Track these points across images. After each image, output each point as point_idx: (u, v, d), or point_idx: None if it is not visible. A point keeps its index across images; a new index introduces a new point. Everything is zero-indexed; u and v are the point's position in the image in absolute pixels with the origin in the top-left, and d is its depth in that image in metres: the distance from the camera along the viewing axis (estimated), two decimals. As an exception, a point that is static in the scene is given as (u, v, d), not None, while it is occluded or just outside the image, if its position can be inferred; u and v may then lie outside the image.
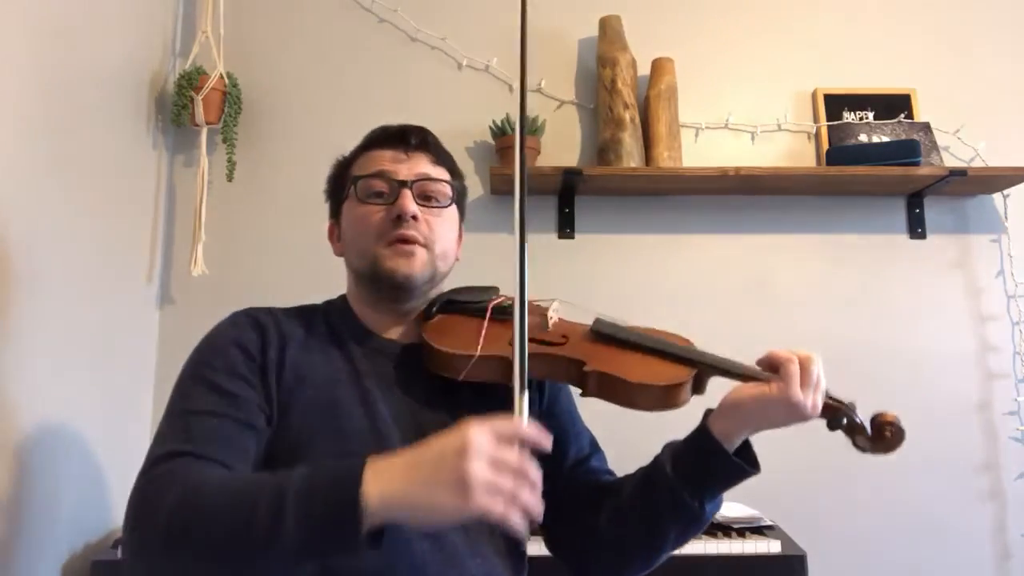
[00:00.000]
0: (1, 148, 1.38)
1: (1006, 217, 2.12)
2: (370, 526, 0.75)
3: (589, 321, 1.10)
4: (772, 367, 0.95)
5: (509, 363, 0.97)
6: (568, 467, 1.11)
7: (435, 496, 0.74)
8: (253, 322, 1.04)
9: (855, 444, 1.00)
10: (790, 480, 1.96)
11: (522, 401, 0.81)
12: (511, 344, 0.98)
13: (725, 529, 1.67)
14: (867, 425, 0.99)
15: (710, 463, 0.96)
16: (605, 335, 1.07)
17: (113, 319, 1.80)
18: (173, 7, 2.15)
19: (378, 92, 2.16)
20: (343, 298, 1.17)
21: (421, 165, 1.10)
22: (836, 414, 0.97)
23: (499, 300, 1.12)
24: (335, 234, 1.17)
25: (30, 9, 1.46)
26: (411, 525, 0.79)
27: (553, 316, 1.13)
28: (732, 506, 1.76)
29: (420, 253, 1.06)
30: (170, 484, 0.84)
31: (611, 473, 1.14)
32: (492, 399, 1.04)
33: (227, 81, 2.05)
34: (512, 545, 1.06)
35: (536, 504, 0.75)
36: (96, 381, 1.71)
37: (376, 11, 2.20)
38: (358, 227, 1.08)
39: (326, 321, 1.11)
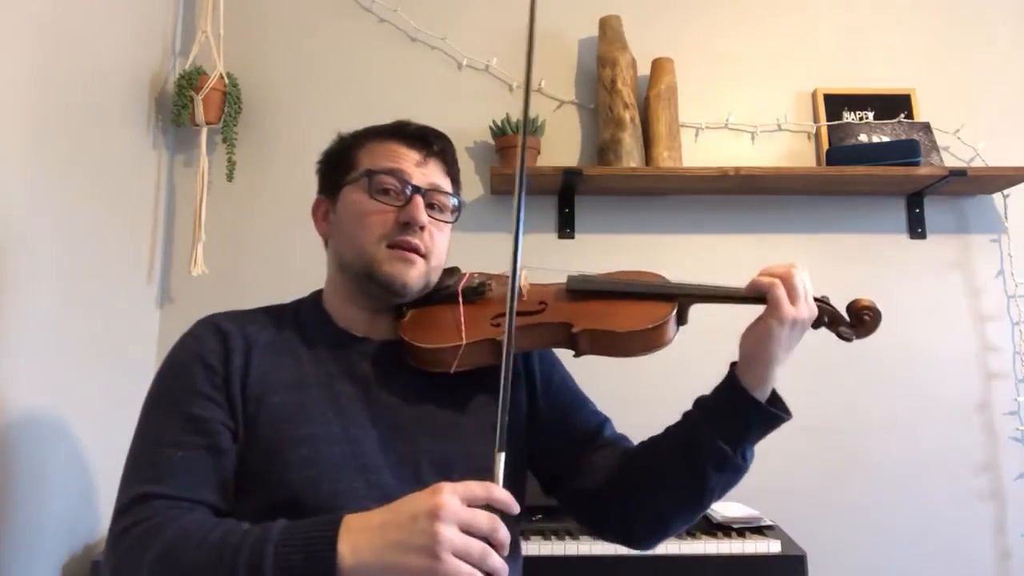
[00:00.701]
0: (1, 147, 1.38)
1: (1006, 217, 2.12)
2: None
3: (561, 281, 1.09)
4: (759, 296, 0.97)
5: (496, 344, 0.99)
6: (581, 440, 1.10)
7: (405, 559, 0.76)
8: (215, 329, 1.01)
9: (839, 335, 1.01)
10: (790, 480, 1.96)
11: (498, 463, 0.82)
12: (492, 323, 1.01)
13: (725, 529, 1.67)
14: (846, 315, 1.01)
15: (748, 416, 0.97)
16: (581, 291, 1.06)
17: (113, 319, 1.80)
18: (173, 7, 2.15)
19: (378, 92, 2.16)
20: (316, 295, 1.13)
21: (436, 174, 1.08)
22: (821, 313, 1.00)
23: (466, 281, 1.10)
24: (321, 212, 1.12)
25: (30, 9, 1.46)
26: None
27: (525, 284, 1.11)
28: (732, 506, 1.76)
29: (420, 264, 1.04)
30: (147, 538, 0.85)
31: (626, 439, 1.13)
32: (475, 385, 1.04)
33: (227, 81, 2.05)
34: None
35: (503, 569, 0.77)
36: (96, 381, 1.71)
37: (376, 11, 2.21)
38: (361, 222, 1.03)
39: (296, 321, 1.07)
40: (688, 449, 0.99)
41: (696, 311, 1.04)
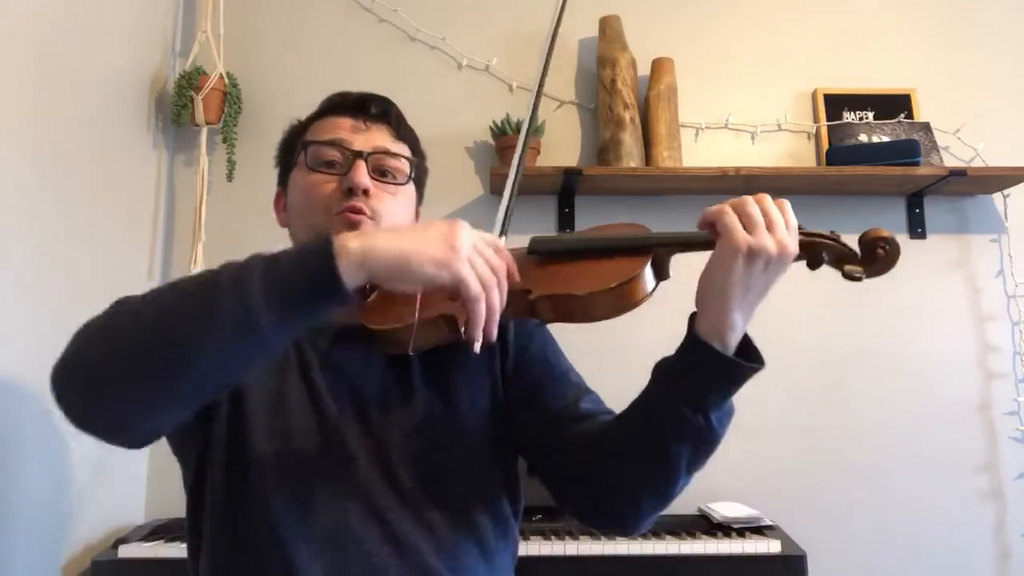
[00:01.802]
0: (1, 147, 1.38)
1: (1006, 217, 2.12)
2: (348, 276, 0.72)
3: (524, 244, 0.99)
4: (711, 227, 0.85)
5: (451, 320, 0.90)
6: (553, 416, 1.00)
7: (421, 245, 0.74)
8: None
9: (847, 275, 0.87)
10: (790, 480, 1.96)
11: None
12: (450, 296, 0.87)
13: (725, 529, 1.67)
14: (856, 249, 0.87)
15: (703, 367, 0.83)
16: (543, 252, 0.96)
17: (113, 319, 1.80)
18: (173, 7, 2.15)
19: (378, 92, 2.15)
20: None
21: (380, 138, 1.03)
22: (814, 249, 0.86)
23: None
24: (281, 204, 1.10)
25: (31, 10, 1.46)
26: (386, 282, 0.75)
27: None
28: (732, 506, 1.76)
29: (368, 227, 0.96)
30: (116, 305, 0.81)
31: (608, 412, 1.01)
32: (443, 367, 0.99)
33: (227, 81, 2.05)
34: (489, 508, 0.98)
35: (501, 304, 0.77)
36: (96, 381, 1.71)
37: (376, 11, 2.21)
38: (306, 197, 1.01)
39: None
40: (647, 416, 0.88)
41: (685, 259, 0.93)
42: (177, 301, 0.74)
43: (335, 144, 1.00)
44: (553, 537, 1.60)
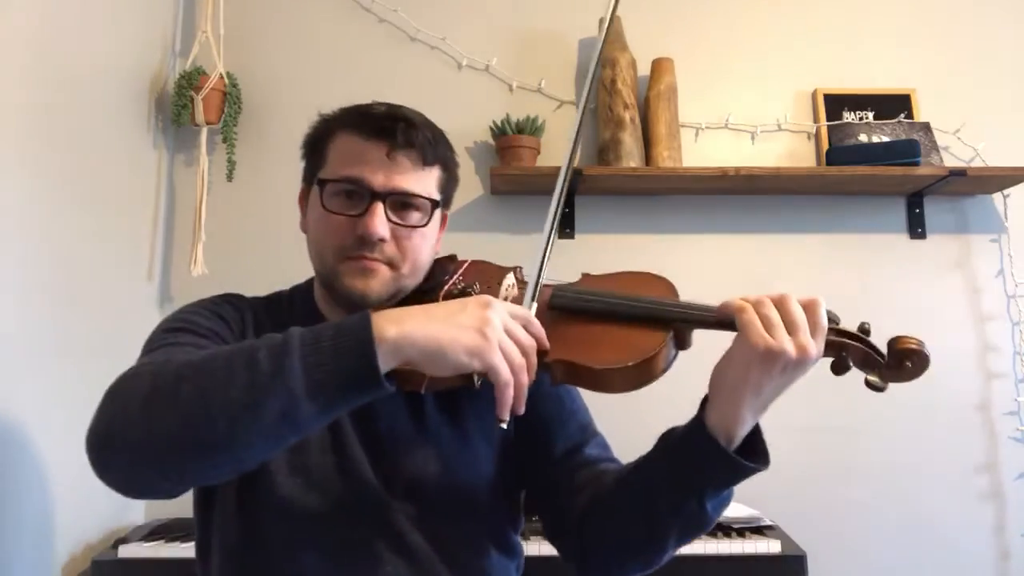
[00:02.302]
0: (1, 148, 1.38)
1: (1006, 217, 2.12)
2: (384, 363, 0.71)
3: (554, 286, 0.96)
4: (730, 324, 0.81)
5: None
6: (558, 457, 1.01)
7: (454, 333, 0.73)
8: (229, 303, 1.02)
9: (868, 384, 0.82)
10: (790, 480, 1.96)
11: (531, 304, 0.84)
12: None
13: (725, 529, 1.67)
14: (885, 352, 0.83)
15: (705, 461, 0.82)
16: (564, 308, 0.91)
17: (113, 319, 1.80)
18: (173, 7, 2.15)
19: (378, 92, 2.11)
20: (308, 285, 1.09)
21: (402, 174, 0.94)
22: (841, 350, 0.82)
23: (449, 287, 0.99)
24: (305, 205, 1.05)
25: (30, 9, 1.46)
26: (420, 367, 0.74)
27: (511, 291, 0.98)
28: (732, 506, 1.74)
29: (383, 272, 0.94)
30: (151, 363, 0.81)
31: (612, 460, 1.02)
32: (455, 398, 0.99)
33: (227, 81, 2.05)
34: (497, 539, 1.01)
35: (527, 388, 0.76)
36: (96, 381, 1.70)
37: (376, 11, 2.20)
38: (318, 232, 0.97)
39: (290, 311, 1.05)
40: (644, 488, 0.89)
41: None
42: (218, 385, 0.71)
43: (351, 181, 0.94)
44: (553, 537, 1.59)
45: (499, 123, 2.05)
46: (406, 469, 0.95)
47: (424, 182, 0.97)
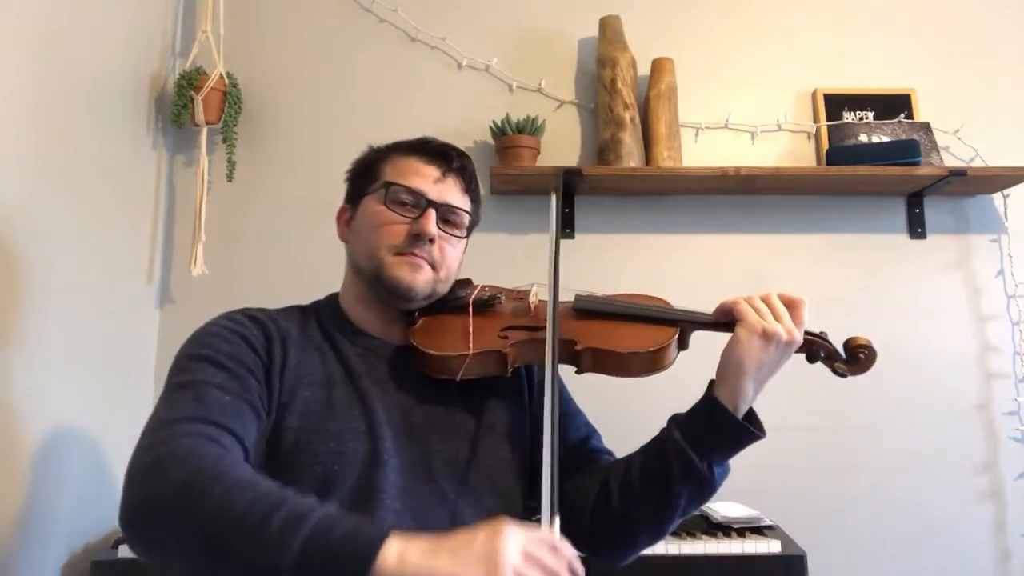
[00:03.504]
0: (1, 148, 1.38)
1: (1006, 217, 2.12)
2: None
3: (568, 299, 1.13)
4: (729, 317, 1.02)
5: (502, 355, 1.04)
6: (569, 448, 1.12)
7: (460, 571, 0.70)
8: (252, 319, 1.04)
9: (835, 371, 1.06)
10: (790, 480, 1.96)
11: (553, 524, 0.79)
12: (500, 335, 1.05)
13: (725, 529, 1.67)
14: (842, 351, 1.05)
15: (717, 426, 0.99)
16: (587, 311, 1.11)
17: (113, 319, 1.80)
18: (173, 7, 2.15)
19: (378, 92, 2.16)
20: (332, 298, 1.17)
21: (452, 192, 1.12)
22: (813, 346, 1.04)
23: (478, 293, 1.14)
24: (345, 218, 1.17)
25: (30, 10, 1.46)
26: None
27: (534, 300, 1.16)
28: (732, 506, 1.76)
29: (427, 271, 1.08)
30: (192, 450, 0.82)
31: (610, 453, 1.16)
32: (481, 391, 1.09)
33: (227, 81, 2.05)
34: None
35: None
36: (96, 381, 1.71)
37: (376, 11, 2.20)
38: (376, 229, 1.09)
39: (318, 320, 1.11)
40: (659, 455, 1.02)
41: (703, 336, 1.07)
42: (235, 518, 0.76)
43: (412, 190, 1.09)
44: (553, 537, 1.59)
45: (499, 123, 2.05)
46: (436, 445, 1.03)
47: (464, 204, 1.14)
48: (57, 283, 1.55)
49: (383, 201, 1.09)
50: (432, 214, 1.07)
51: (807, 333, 1.03)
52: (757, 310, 1.00)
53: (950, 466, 2.01)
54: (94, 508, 1.68)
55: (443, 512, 0.99)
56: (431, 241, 1.07)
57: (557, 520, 0.80)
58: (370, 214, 1.10)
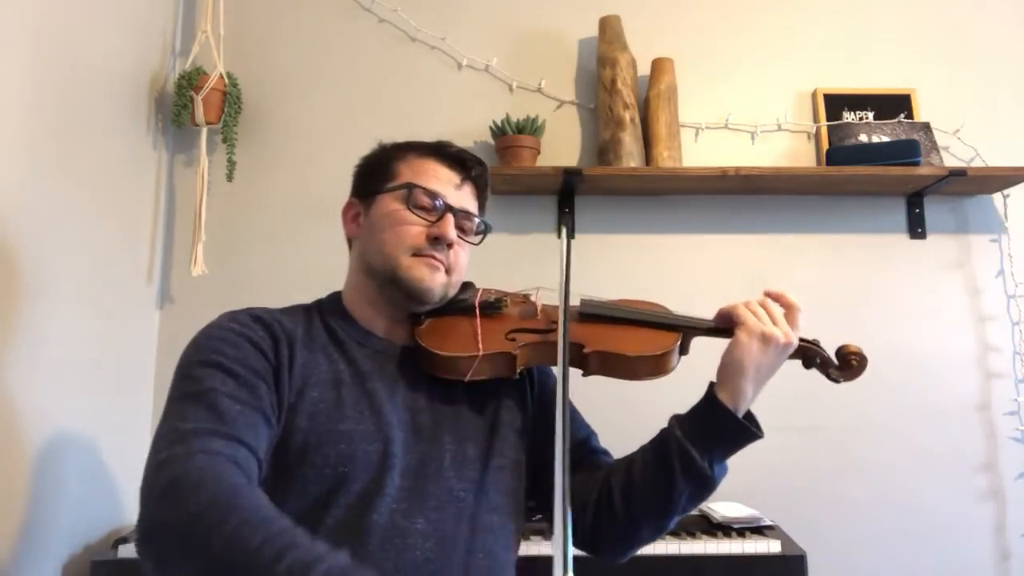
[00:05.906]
0: (1, 148, 1.38)
1: (1006, 217, 2.12)
2: None
3: (574, 302, 1.13)
4: (729, 322, 1.06)
5: (511, 358, 1.05)
6: (571, 449, 1.10)
7: None
8: (258, 320, 1.02)
9: (828, 376, 1.10)
10: (790, 480, 1.96)
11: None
12: (507, 337, 1.07)
13: (725, 529, 1.67)
14: (834, 358, 1.09)
15: (718, 424, 1.01)
16: (593, 315, 1.13)
17: (113, 319, 1.80)
18: (173, 7, 2.15)
19: (378, 92, 2.16)
20: (334, 297, 1.16)
21: (468, 197, 1.14)
22: (808, 352, 1.08)
23: (483, 296, 1.15)
24: (352, 214, 1.16)
25: (30, 10, 1.46)
26: None
27: (539, 304, 1.17)
28: (732, 506, 1.76)
29: (442, 273, 1.09)
30: (209, 473, 0.82)
31: (607, 453, 1.19)
32: (486, 391, 1.09)
33: (227, 81, 2.05)
34: (513, 529, 1.08)
35: None
36: (96, 381, 1.71)
37: (376, 11, 2.21)
38: (394, 230, 1.08)
39: (322, 320, 1.10)
40: (661, 452, 1.04)
41: (698, 342, 1.10)
42: (244, 559, 0.76)
43: (434, 193, 1.09)
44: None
45: (499, 123, 2.05)
46: (445, 444, 1.04)
47: (476, 210, 1.16)
48: (57, 283, 1.55)
49: (404, 202, 1.09)
50: (451, 219, 1.09)
51: (802, 340, 1.06)
52: (756, 314, 1.03)
53: (950, 466, 2.01)
54: (94, 508, 1.68)
55: (452, 511, 0.99)
56: (449, 245, 1.09)
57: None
58: (387, 213, 1.09)
